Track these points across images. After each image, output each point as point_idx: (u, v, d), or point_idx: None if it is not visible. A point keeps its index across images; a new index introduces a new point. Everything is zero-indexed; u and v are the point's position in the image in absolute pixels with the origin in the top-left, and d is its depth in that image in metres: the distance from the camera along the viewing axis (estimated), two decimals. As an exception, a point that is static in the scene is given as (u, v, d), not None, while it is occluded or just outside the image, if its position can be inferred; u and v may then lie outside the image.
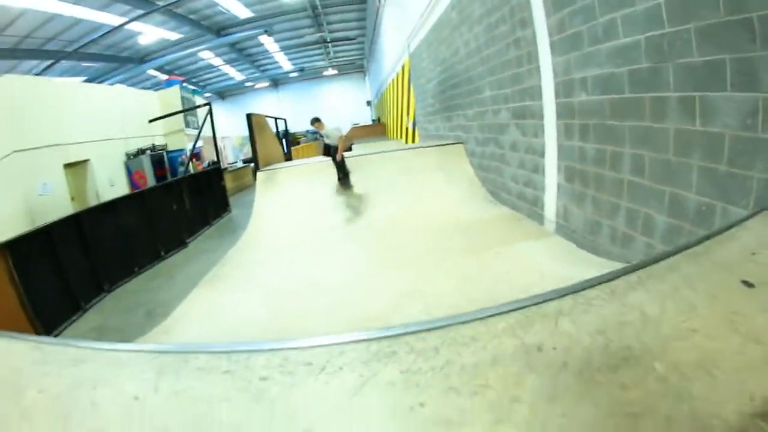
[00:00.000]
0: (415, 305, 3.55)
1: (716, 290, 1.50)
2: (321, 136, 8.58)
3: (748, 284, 1.48)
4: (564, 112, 4.20)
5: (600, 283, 1.61)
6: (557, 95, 4.29)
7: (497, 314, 1.47)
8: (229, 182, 11.58)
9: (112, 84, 20.68)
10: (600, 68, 3.50)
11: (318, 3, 21.07)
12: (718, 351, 1.20)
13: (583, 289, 1.58)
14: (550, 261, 3.90)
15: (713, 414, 1.01)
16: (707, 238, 1.88)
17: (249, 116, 9.06)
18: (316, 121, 8.05)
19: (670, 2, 2.68)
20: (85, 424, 1.36)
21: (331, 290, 4.28)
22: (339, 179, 7.95)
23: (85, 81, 19.13)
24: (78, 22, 15.58)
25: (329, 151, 8.04)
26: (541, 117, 4.64)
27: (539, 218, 4.95)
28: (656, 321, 1.37)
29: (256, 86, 37.67)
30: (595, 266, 3.48)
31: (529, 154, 5.15)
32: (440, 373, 1.22)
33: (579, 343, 1.29)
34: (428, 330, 1.42)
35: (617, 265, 3.36)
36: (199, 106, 14.88)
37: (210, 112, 10.84)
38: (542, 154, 4.74)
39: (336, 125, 8.48)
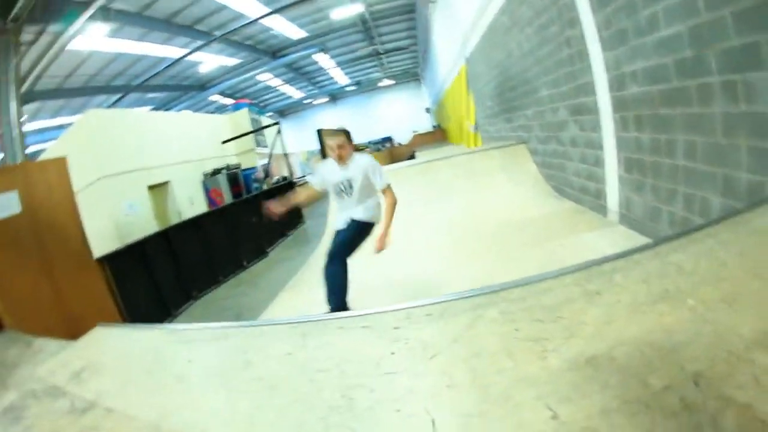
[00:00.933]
0: None
1: (748, 250, 1.79)
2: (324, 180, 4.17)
3: None
4: (618, 105, 4.37)
5: (647, 249, 1.99)
6: (611, 89, 4.46)
7: (565, 273, 1.91)
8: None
9: (177, 111, 22.36)
10: (647, 60, 3.68)
11: (368, 17, 21.67)
12: (739, 293, 1.50)
13: (633, 253, 1.97)
14: (612, 248, 4.06)
15: (733, 332, 1.31)
16: (750, 209, 2.12)
17: (319, 131, 9.64)
18: (336, 134, 3.89)
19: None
20: (242, 376, 1.79)
21: (408, 285, 4.59)
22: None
23: (152, 110, 21.03)
24: (141, 57, 17.23)
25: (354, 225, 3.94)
26: (597, 111, 4.81)
27: (602, 210, 5.08)
28: (690, 272, 1.70)
29: (315, 102, 39.00)
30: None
31: (589, 149, 5.30)
32: (527, 311, 1.67)
33: (627, 288, 1.68)
34: (514, 287, 1.88)
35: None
36: (268, 126, 15.97)
37: (279, 131, 11.62)
38: (601, 147, 4.89)
39: (370, 160, 4.04)
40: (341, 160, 3.92)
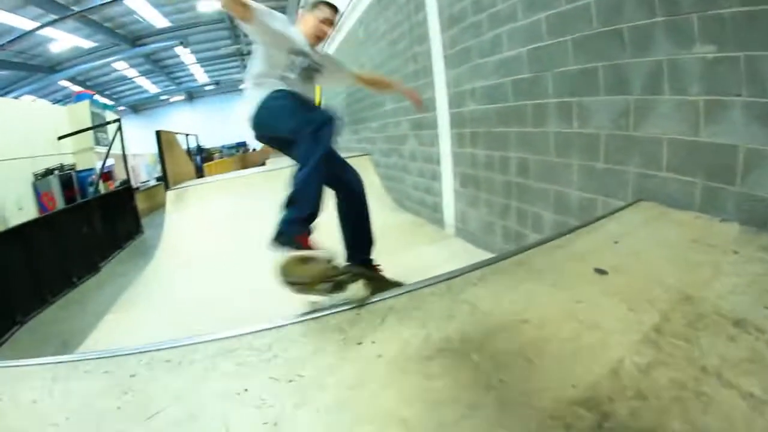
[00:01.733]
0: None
1: (564, 280, 1.45)
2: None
3: (601, 272, 1.43)
4: (456, 121, 4.21)
5: (439, 282, 1.57)
6: (450, 106, 4.30)
7: (329, 314, 1.47)
8: (141, 202, 10.56)
9: (19, 95, 18.33)
10: (486, 79, 3.52)
11: None
12: (545, 339, 1.14)
13: (422, 287, 1.55)
14: (447, 261, 3.84)
15: (524, 401, 0.92)
16: (572, 230, 1.88)
17: (158, 133, 8.37)
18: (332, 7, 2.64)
19: (548, 18, 2.73)
20: None
21: (233, 307, 4.00)
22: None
23: None
24: None
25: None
26: (436, 126, 4.64)
27: (440, 223, 4.93)
28: (486, 313, 1.32)
29: (171, 99, 35.17)
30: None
31: (427, 163, 5.14)
32: (268, 363, 1.29)
33: (398, 336, 1.28)
34: (264, 330, 1.46)
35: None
36: (108, 123, 13.46)
37: (120, 129, 9.91)
38: (438, 162, 4.72)
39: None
40: (317, 40, 2.64)
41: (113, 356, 1.49)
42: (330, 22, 2.64)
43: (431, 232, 4.98)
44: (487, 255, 3.75)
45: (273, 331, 1.43)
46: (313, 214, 1.93)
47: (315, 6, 2.63)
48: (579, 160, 2.58)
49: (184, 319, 3.94)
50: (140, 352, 1.48)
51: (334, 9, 2.67)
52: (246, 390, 1.19)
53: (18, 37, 14.75)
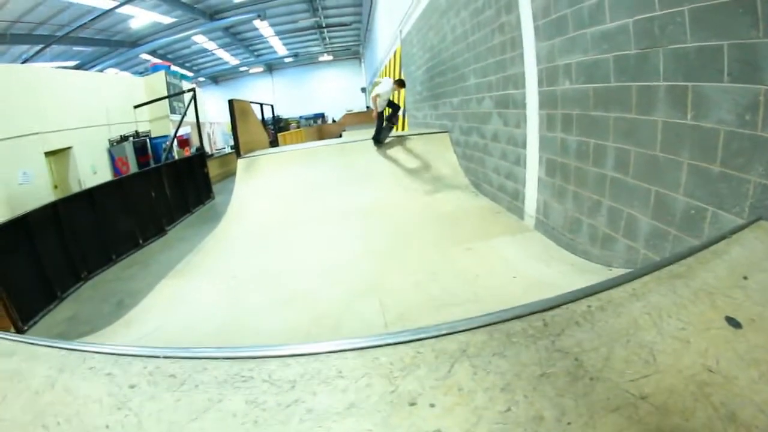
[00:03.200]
0: (370, 304, 3.25)
1: (691, 330, 1.13)
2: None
3: (734, 323, 1.12)
4: (546, 101, 3.83)
5: (532, 314, 1.27)
6: (540, 83, 3.92)
7: (381, 345, 1.23)
8: (215, 168, 11.10)
9: (103, 69, 19.85)
10: (585, 54, 3.13)
11: None
12: (673, 427, 0.86)
13: (507, 320, 1.26)
14: (525, 259, 3.57)
15: None
16: (691, 253, 1.52)
17: (231, 102, 8.59)
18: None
19: (662, -19, 2.31)
20: None
21: (293, 283, 3.98)
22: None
23: (77, 65, 18.28)
24: (69, 5, 14.72)
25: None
26: (524, 106, 4.27)
27: (519, 212, 4.60)
28: (593, 378, 1.01)
29: (251, 71, 36.49)
30: (571, 267, 3.16)
31: (510, 145, 4.79)
32: (284, 412, 1.07)
33: (470, 400, 1.01)
34: (293, 355, 1.26)
35: (595, 267, 3.04)
36: (183, 92, 14.26)
37: (194, 98, 10.36)
38: (524, 146, 4.38)
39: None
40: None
41: (122, 355, 1.43)
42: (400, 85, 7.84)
43: (509, 221, 4.68)
44: (569, 255, 3.45)
45: (303, 361, 1.23)
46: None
47: (397, 83, 7.89)
48: (690, 158, 2.20)
49: (236, 293, 4.06)
50: (148, 356, 1.41)
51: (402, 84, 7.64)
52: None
53: (98, 15, 15.81)
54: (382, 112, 7.72)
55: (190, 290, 4.33)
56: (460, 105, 6.64)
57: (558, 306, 1.28)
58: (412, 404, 1.01)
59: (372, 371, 1.12)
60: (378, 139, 7.72)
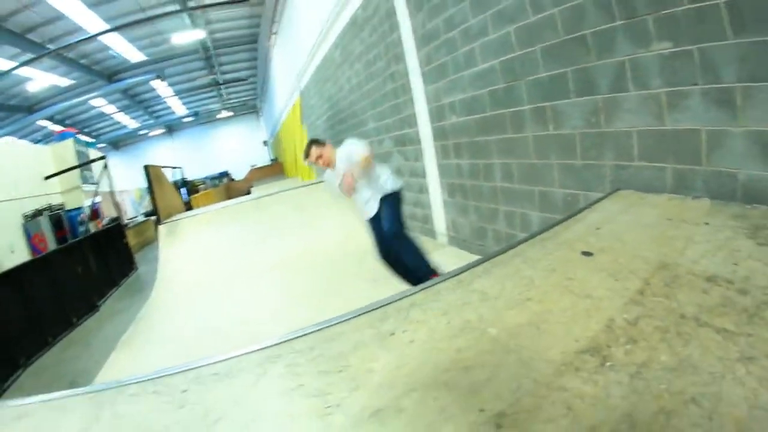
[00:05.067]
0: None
1: (556, 264, 1.65)
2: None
3: (587, 254, 1.61)
4: (439, 134, 4.39)
5: (449, 277, 1.78)
6: (432, 120, 4.48)
7: (360, 315, 1.65)
8: (132, 238, 10.51)
9: (0, 136, 18.21)
10: (464, 92, 3.72)
11: (210, 44, 20.33)
12: (547, 311, 1.34)
13: (436, 284, 1.75)
14: (444, 269, 4.00)
15: (540, 357, 1.13)
16: (558, 223, 2.05)
17: (147, 168, 8.40)
18: (314, 144, 3.68)
19: (516, 30, 2.93)
20: None
21: (239, 333, 4.07)
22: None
23: None
24: None
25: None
26: (419, 141, 4.82)
27: (432, 234, 5.08)
28: (495, 297, 1.52)
29: (151, 134, 34.94)
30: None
31: (413, 177, 5.31)
32: (314, 362, 1.43)
33: (425, 324, 1.48)
34: (302, 335, 1.61)
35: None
36: (94, 160, 13.36)
37: (106, 166, 9.97)
38: (425, 175, 4.90)
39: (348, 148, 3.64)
40: (329, 165, 3.64)
41: (158, 377, 1.58)
42: (320, 155, 3.62)
43: (425, 243, 5.09)
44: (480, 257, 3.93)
45: (312, 335, 1.59)
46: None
47: (307, 155, 3.73)
48: (558, 159, 2.76)
49: (189, 351, 3.98)
50: (185, 371, 1.60)
51: (312, 143, 3.70)
52: (301, 385, 1.32)
53: None
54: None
55: (141, 358, 4.17)
56: (363, 148, 7.15)
57: (466, 270, 1.81)
58: (392, 334, 1.47)
59: (360, 326, 1.59)
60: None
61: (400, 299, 1.68)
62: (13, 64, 14.43)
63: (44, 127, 22.17)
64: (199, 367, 1.60)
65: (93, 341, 5.37)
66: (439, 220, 4.77)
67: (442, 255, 4.41)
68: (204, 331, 4.39)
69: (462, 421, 1.00)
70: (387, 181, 3.47)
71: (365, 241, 5.69)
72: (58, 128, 21.55)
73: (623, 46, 2.17)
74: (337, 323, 1.64)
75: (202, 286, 5.87)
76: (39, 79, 17.16)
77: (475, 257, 3.99)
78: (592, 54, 2.37)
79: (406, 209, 5.28)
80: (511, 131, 3.20)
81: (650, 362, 0.98)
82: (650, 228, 1.75)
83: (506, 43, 3.06)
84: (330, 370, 1.37)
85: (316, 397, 1.26)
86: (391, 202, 3.45)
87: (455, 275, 1.77)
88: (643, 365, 0.99)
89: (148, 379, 1.61)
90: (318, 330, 1.63)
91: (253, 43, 21.61)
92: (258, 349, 1.60)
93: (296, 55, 11.89)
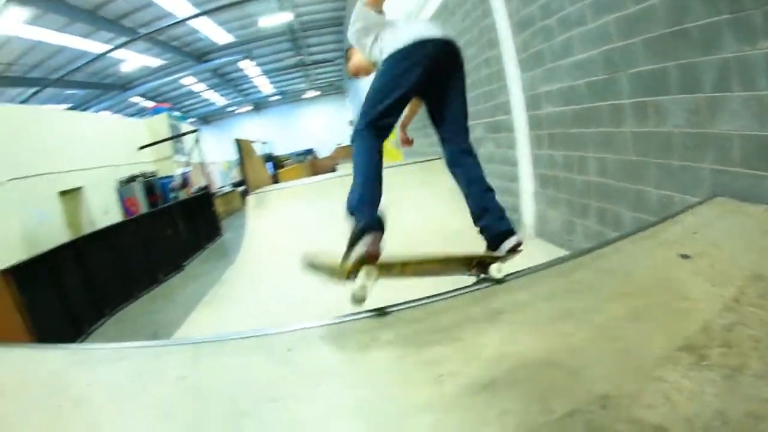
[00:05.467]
0: None
1: (654, 263, 1.79)
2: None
3: (685, 257, 1.72)
4: (534, 123, 4.45)
5: (552, 266, 1.97)
6: (527, 108, 4.54)
7: (465, 292, 1.87)
8: (219, 206, 11.69)
9: (96, 111, 20.55)
10: (561, 82, 3.76)
11: (297, 26, 21.23)
12: (647, 306, 1.48)
13: (537, 270, 1.94)
14: (529, 262, 4.09)
15: (640, 348, 1.27)
16: (656, 223, 2.14)
17: (238, 141, 9.18)
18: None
19: (617, 20, 2.94)
20: (137, 401, 1.58)
21: (320, 304, 4.38)
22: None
23: (70, 108, 18.91)
24: (61, 49, 15.52)
25: None
26: (513, 129, 4.89)
27: (519, 224, 5.16)
28: (596, 289, 1.67)
29: (239, 111, 37.45)
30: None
31: (505, 165, 5.39)
32: (424, 333, 1.58)
33: (531, 307, 1.65)
34: (410, 308, 1.80)
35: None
36: (186, 133, 14.99)
37: (198, 139, 10.97)
38: (516, 164, 4.97)
39: None
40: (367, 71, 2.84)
41: (261, 335, 1.75)
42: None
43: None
44: (567, 252, 3.97)
45: (420, 308, 1.78)
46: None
47: None
48: (656, 158, 2.78)
49: (270, 317, 4.36)
50: (291, 331, 1.79)
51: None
52: (413, 353, 1.47)
53: (91, 60, 16.69)
54: None
55: (223, 316, 4.68)
56: (453, 133, 7.27)
57: (569, 260, 2.04)
58: (500, 313, 1.64)
59: (469, 301, 1.82)
60: None
61: (511, 279, 1.88)
62: (108, 47, 16.09)
63: (137, 104, 24.60)
64: (305, 328, 1.77)
65: (176, 298, 6.00)
66: (528, 211, 4.85)
67: (529, 246, 4.48)
68: (284, 299, 4.72)
69: (571, 397, 1.12)
70: None
71: (457, 227, 5.88)
72: (150, 104, 23.94)
73: (728, 43, 2.17)
74: (444, 299, 1.81)
75: (287, 257, 6.24)
76: (132, 60, 19.09)
77: (562, 252, 4.11)
78: (695, 49, 2.38)
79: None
80: (608, 125, 3.23)
81: (743, 368, 1.12)
82: (746, 238, 1.84)
83: (605, 34, 3.09)
84: (441, 341, 1.50)
85: (428, 365, 1.37)
86: None
87: (557, 264, 1.96)
88: (736, 369, 1.10)
89: (251, 336, 1.78)
90: (424, 303, 1.80)
91: (339, 26, 22.09)
92: (364, 317, 1.76)
93: None
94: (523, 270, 1.94)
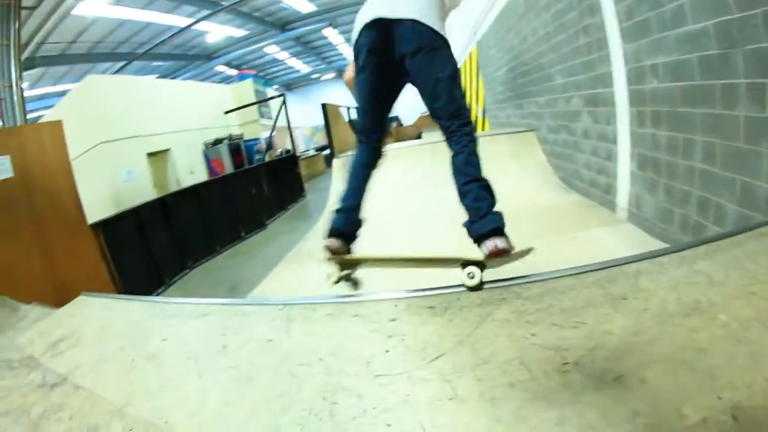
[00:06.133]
0: None
1: None
2: None
3: None
4: (636, 99, 4.21)
5: (671, 252, 1.83)
6: (629, 82, 4.30)
7: (586, 272, 1.74)
8: (303, 169, 12.35)
9: (182, 80, 22.02)
10: (669, 55, 3.51)
11: None
12: None
13: (657, 255, 1.81)
14: (623, 249, 3.96)
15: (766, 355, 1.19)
16: None
17: (324, 106, 9.47)
18: None
19: (738, -13, 2.70)
20: (217, 362, 1.63)
21: (403, 274, 4.50)
22: None
23: (157, 78, 20.64)
24: (147, 25, 16.92)
25: None
26: (613, 104, 4.65)
27: (611, 206, 4.97)
28: (720, 283, 1.54)
29: (323, 78, 38.40)
30: (665, 255, 3.54)
31: (601, 142, 5.15)
32: (545, 313, 1.48)
33: (655, 295, 1.53)
34: (529, 282, 1.71)
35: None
36: (272, 98, 15.90)
37: (284, 103, 11.48)
38: (615, 141, 4.74)
39: None
40: None
41: (361, 301, 1.72)
42: None
43: (602, 214, 5.05)
44: (660, 244, 3.82)
45: (538, 284, 1.74)
46: None
47: None
48: (770, 148, 2.56)
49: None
50: (394, 299, 1.74)
51: None
52: (533, 334, 1.43)
53: (175, 33, 17.98)
54: None
55: (307, 275, 4.78)
56: (547, 104, 7.04)
57: (688, 248, 1.87)
58: (624, 299, 1.57)
59: (588, 284, 1.73)
60: None
61: (625, 264, 1.78)
62: (191, 20, 17.29)
63: (222, 72, 26.07)
64: (411, 297, 1.72)
65: (258, 254, 6.38)
66: (623, 192, 4.64)
67: (621, 231, 4.36)
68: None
69: (702, 403, 1.07)
70: None
71: (543, 202, 5.76)
72: (234, 72, 25.39)
73: None
74: (564, 276, 1.75)
75: (375, 221, 6.46)
76: (216, 32, 20.37)
77: (655, 241, 3.96)
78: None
79: (589, 175, 5.19)
80: (719, 106, 3.00)
81: None
82: None
83: (723, 3, 2.83)
84: (563, 324, 1.44)
85: (551, 350, 1.32)
86: None
87: (676, 251, 1.84)
88: None
89: (350, 301, 1.76)
90: (544, 280, 1.74)
91: (424, -7, 21.56)
92: (476, 288, 1.70)
93: (473, 3, 11.71)
94: (641, 254, 1.84)
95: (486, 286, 1.71)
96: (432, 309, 1.61)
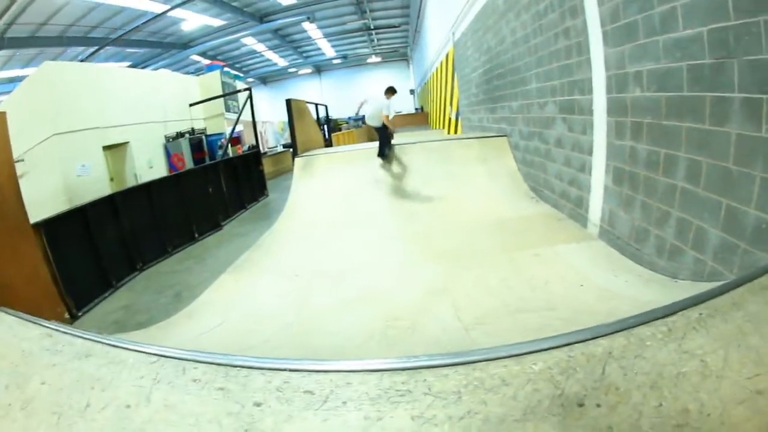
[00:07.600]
0: (443, 306, 3.48)
1: None
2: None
3: None
4: (615, 108, 3.97)
5: (656, 319, 1.44)
6: (609, 90, 4.06)
7: (535, 351, 1.31)
8: (268, 166, 11.83)
9: (156, 69, 21.35)
10: (656, 62, 3.28)
11: None
12: None
13: (637, 325, 1.41)
14: (591, 268, 3.73)
15: None
16: None
17: (288, 101, 9.12)
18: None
19: (737, -9, 2.46)
20: (76, 426, 1.37)
21: (359, 283, 4.25)
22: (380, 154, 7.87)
23: (130, 66, 19.97)
24: (122, 9, 16.32)
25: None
26: (591, 112, 4.42)
27: (582, 220, 4.74)
28: (717, 375, 1.19)
29: (299, 72, 38.20)
30: (638, 277, 3.30)
31: (575, 152, 4.93)
32: (458, 425, 1.07)
33: (628, 399, 1.15)
34: (451, 365, 1.27)
35: (661, 278, 3.17)
36: (239, 91, 15.26)
37: (250, 97, 11.01)
38: (590, 152, 4.52)
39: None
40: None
41: (232, 366, 1.38)
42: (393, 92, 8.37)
43: (571, 228, 4.84)
44: (634, 265, 3.60)
45: (462, 368, 1.30)
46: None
47: (389, 91, 8.28)
48: (763, 172, 2.32)
49: (301, 292, 4.32)
50: (269, 369, 1.38)
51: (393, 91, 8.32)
52: None
53: (150, 19, 17.44)
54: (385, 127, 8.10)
55: (251, 286, 4.67)
56: (520, 109, 6.81)
57: (678, 311, 1.46)
58: (581, 405, 1.15)
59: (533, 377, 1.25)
60: (385, 154, 7.93)
61: (592, 338, 1.36)
62: (167, 7, 16.87)
63: (198, 62, 25.56)
64: (290, 370, 1.35)
65: (208, 258, 6.14)
66: (596, 207, 4.42)
67: (591, 248, 4.15)
68: (321, 272, 4.72)
69: None
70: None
71: (510, 212, 5.56)
72: (209, 62, 24.59)
73: None
74: (500, 358, 1.32)
75: (326, 226, 6.28)
76: (192, 20, 19.87)
77: (627, 261, 3.71)
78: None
79: (560, 186, 4.97)
80: (709, 121, 2.76)
81: None
82: None
83: (720, 8, 2.60)
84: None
85: None
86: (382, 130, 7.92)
87: (663, 316, 1.44)
88: None
89: (221, 364, 1.42)
90: (468, 362, 1.31)
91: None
92: (377, 369, 1.31)
93: (451, 3, 11.53)
94: (617, 322, 1.46)
95: (390, 365, 1.30)
96: (310, 395, 1.23)
